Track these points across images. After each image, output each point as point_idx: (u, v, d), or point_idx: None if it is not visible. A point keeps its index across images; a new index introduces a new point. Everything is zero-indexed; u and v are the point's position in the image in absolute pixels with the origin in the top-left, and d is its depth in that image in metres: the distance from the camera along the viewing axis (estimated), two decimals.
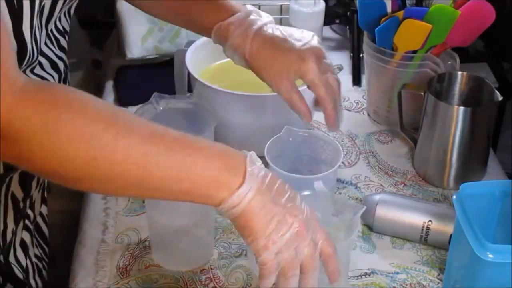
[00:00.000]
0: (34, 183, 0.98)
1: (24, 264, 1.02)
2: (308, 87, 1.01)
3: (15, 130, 0.71)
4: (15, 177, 0.93)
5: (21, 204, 0.98)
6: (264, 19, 1.02)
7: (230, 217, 0.80)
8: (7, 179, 0.92)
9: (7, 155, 0.73)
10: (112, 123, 0.74)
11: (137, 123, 0.76)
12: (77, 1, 0.93)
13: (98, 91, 1.44)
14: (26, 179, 0.95)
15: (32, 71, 0.88)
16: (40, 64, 0.91)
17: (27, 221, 1.03)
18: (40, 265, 1.09)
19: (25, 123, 0.71)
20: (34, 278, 1.06)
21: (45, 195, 1.09)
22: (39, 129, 0.71)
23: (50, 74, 0.93)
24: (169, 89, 1.29)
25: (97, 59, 1.85)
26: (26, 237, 1.02)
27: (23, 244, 1.02)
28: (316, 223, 0.82)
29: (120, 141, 0.73)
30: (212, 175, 0.77)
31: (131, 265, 1.03)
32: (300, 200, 0.81)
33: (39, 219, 1.10)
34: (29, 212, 1.03)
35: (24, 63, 0.81)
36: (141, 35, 1.40)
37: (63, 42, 0.97)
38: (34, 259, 1.06)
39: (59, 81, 0.96)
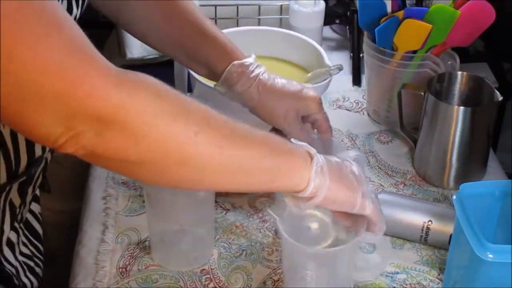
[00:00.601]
0: (30, 189, 0.98)
1: (13, 263, 1.02)
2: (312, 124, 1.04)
3: (124, 116, 0.69)
4: (15, 185, 0.93)
5: (17, 211, 0.98)
6: (261, 68, 1.03)
7: (321, 200, 0.83)
8: (7, 188, 0.92)
9: (112, 145, 0.70)
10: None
11: (233, 126, 0.79)
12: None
13: None
14: (24, 187, 0.95)
15: None
16: None
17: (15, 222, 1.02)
18: (31, 263, 1.08)
19: (135, 110, 0.70)
20: (26, 275, 1.05)
21: (37, 192, 1.09)
22: (149, 118, 0.71)
23: None
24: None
25: None
26: (13, 236, 1.02)
27: (10, 243, 1.01)
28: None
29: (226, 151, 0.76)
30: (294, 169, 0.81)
31: (131, 265, 1.03)
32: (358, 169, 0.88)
33: (29, 217, 1.09)
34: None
35: None
36: None
37: None
38: (21, 258, 1.06)
39: None
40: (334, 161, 0.86)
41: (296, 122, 1.02)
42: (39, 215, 1.12)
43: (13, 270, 1.01)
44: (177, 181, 0.77)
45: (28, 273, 1.06)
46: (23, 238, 1.07)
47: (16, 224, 1.02)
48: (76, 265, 1.04)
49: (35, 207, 1.11)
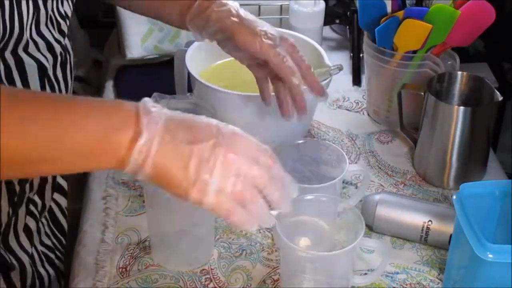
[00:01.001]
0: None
1: (30, 251, 1.02)
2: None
3: None
4: None
5: (17, 187, 0.97)
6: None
7: (149, 179, 0.73)
8: None
9: None
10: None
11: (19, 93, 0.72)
12: None
13: (98, 91, 1.44)
14: None
15: (25, 50, 0.88)
16: (36, 44, 0.90)
17: (32, 207, 1.02)
18: (52, 255, 1.08)
19: None
20: (43, 266, 1.06)
21: (57, 182, 1.09)
22: None
23: (45, 56, 0.93)
24: (169, 89, 1.29)
25: (97, 59, 1.85)
26: (31, 223, 1.02)
27: (27, 230, 1.01)
28: (243, 138, 0.77)
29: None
30: (98, 136, 0.71)
31: (131, 265, 1.03)
32: (214, 124, 0.76)
33: (55, 209, 1.09)
34: (35, 198, 1.03)
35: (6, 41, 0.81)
36: (141, 35, 1.40)
37: (64, 26, 0.97)
38: (41, 248, 1.06)
39: (55, 65, 0.95)
40: (182, 124, 0.73)
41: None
42: (65, 209, 1.13)
43: (26, 258, 1.01)
44: None
45: (46, 264, 1.06)
46: (46, 229, 1.08)
47: (34, 210, 1.02)
48: (76, 265, 1.04)
49: (62, 200, 1.12)
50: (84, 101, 0.74)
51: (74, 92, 1.15)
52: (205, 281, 1.01)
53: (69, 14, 0.97)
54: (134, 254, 1.04)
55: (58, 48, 0.96)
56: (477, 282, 0.88)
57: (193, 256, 1.03)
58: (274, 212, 0.93)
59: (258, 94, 1.15)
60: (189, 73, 1.19)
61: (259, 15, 1.47)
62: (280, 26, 1.44)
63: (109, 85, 1.40)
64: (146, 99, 0.75)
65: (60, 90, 0.98)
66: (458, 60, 1.24)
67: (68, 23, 0.98)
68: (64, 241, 1.12)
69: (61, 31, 0.96)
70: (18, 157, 0.70)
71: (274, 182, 0.78)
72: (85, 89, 1.89)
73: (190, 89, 1.25)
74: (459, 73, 1.18)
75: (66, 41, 0.99)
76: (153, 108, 0.73)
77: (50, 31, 0.94)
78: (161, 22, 1.38)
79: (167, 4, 1.04)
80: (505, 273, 0.86)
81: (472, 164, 1.17)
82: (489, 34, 1.26)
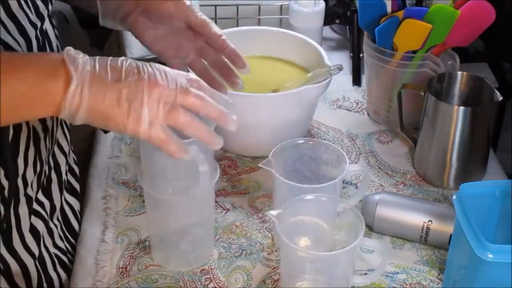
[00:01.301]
0: (20, 159, 0.95)
1: (36, 253, 1.01)
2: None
3: None
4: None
5: (4, 182, 0.94)
6: None
7: (85, 121, 0.79)
8: None
9: None
10: None
11: None
12: None
13: None
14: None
15: None
16: (5, 27, 0.88)
17: (37, 206, 1.01)
18: (65, 258, 1.08)
19: None
20: (55, 269, 1.05)
21: (64, 184, 1.08)
22: None
23: (16, 40, 0.90)
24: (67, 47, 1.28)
25: None
26: (38, 224, 1.01)
27: (34, 231, 1.01)
28: (168, 72, 0.82)
29: None
30: (33, 83, 0.77)
31: (131, 265, 1.03)
32: (142, 65, 0.82)
33: (67, 211, 1.09)
34: (40, 197, 1.02)
35: None
36: None
37: (43, 10, 0.95)
38: (54, 250, 1.06)
39: (28, 50, 0.92)
40: (108, 76, 0.79)
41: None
42: (78, 212, 1.13)
43: (31, 261, 1.00)
44: None
45: (58, 267, 1.06)
46: (59, 231, 1.07)
47: (41, 211, 1.02)
48: (76, 265, 1.04)
49: (74, 202, 1.12)
50: (16, 54, 0.80)
51: None
52: (205, 281, 1.01)
53: None
54: (134, 254, 1.04)
55: (32, 32, 0.93)
56: (477, 282, 0.88)
57: (193, 256, 1.03)
58: (274, 212, 0.93)
59: (258, 94, 1.15)
60: None
61: (259, 15, 1.48)
62: (280, 26, 1.44)
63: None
64: (68, 48, 0.80)
65: None
66: (458, 60, 1.24)
67: (50, 7, 0.97)
68: (75, 244, 1.10)
69: (39, 14, 0.94)
70: None
71: (207, 102, 0.83)
72: None
73: None
74: (459, 73, 1.18)
75: (46, 25, 0.97)
76: (77, 54, 0.79)
77: (25, 12, 0.91)
78: None
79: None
80: (505, 273, 0.86)
81: (472, 164, 1.17)
82: (489, 34, 1.26)
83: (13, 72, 0.77)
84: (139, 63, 0.83)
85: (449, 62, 1.24)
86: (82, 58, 0.79)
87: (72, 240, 1.11)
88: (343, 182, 1.15)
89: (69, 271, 1.07)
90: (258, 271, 1.02)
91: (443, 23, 1.17)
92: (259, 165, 1.02)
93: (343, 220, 0.96)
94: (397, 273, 1.02)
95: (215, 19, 1.46)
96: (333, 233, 0.99)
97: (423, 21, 1.16)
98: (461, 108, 1.11)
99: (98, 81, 0.78)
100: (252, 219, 1.10)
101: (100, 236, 1.07)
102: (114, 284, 1.00)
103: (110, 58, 0.81)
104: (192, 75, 0.86)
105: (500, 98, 1.10)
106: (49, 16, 0.98)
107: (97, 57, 0.80)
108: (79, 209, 1.14)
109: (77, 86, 0.77)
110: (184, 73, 0.84)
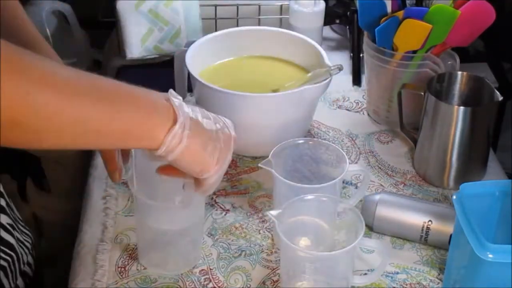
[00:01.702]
0: None
1: None
2: None
3: None
4: None
5: None
6: None
7: (174, 160, 0.84)
8: None
9: None
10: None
11: (70, 77, 0.74)
12: None
13: None
14: None
15: None
16: None
17: None
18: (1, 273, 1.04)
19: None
20: None
21: (2, 203, 1.06)
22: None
23: None
24: (169, 89, 1.29)
25: (97, 59, 1.85)
26: None
27: None
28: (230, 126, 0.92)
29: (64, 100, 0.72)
30: (142, 116, 0.80)
31: (130, 265, 1.03)
32: (223, 119, 0.91)
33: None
34: None
35: None
36: (141, 35, 1.39)
37: None
38: None
39: None
40: (203, 123, 0.86)
41: None
42: (8, 226, 1.07)
43: None
44: (12, 142, 0.70)
45: None
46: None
47: None
48: (76, 265, 1.04)
49: (4, 218, 1.06)
50: (130, 86, 0.83)
51: None
52: (204, 281, 1.01)
53: None
54: (133, 254, 1.04)
55: None
56: (477, 282, 0.88)
57: (182, 260, 1.02)
58: (274, 212, 0.93)
59: (258, 94, 1.15)
60: (189, 73, 1.19)
61: (259, 15, 1.48)
62: (280, 26, 1.44)
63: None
64: (171, 91, 0.86)
65: None
66: (458, 60, 1.24)
67: None
68: (15, 257, 1.07)
69: None
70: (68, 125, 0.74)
71: None
72: None
73: (190, 89, 1.25)
74: (459, 73, 1.18)
75: None
76: (177, 100, 0.85)
77: None
78: (161, 23, 1.39)
79: None
80: (505, 273, 0.86)
81: (472, 164, 1.17)
82: (489, 34, 1.26)
83: (129, 101, 0.80)
84: (221, 117, 0.91)
85: (449, 62, 1.24)
86: (181, 103, 0.85)
87: (12, 253, 1.06)
88: (343, 182, 1.15)
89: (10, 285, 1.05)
90: (258, 272, 1.02)
91: (443, 23, 1.17)
92: (259, 165, 1.02)
93: (343, 220, 0.96)
94: (397, 273, 1.02)
95: (215, 19, 1.46)
96: (333, 233, 0.99)
97: (423, 21, 1.16)
98: (461, 108, 1.11)
99: (194, 127, 0.84)
100: (252, 219, 1.10)
101: (99, 236, 1.07)
102: (113, 284, 1.00)
103: (202, 109, 0.89)
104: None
105: (500, 98, 1.10)
106: None
107: (191, 105, 0.87)
108: (8, 222, 1.08)
109: (181, 126, 0.82)
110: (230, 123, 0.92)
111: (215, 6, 1.45)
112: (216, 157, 0.87)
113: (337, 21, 1.52)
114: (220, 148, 0.88)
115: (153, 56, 1.43)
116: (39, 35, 1.03)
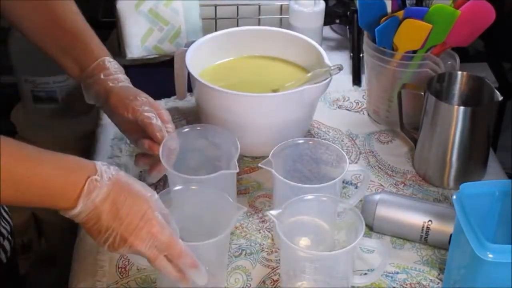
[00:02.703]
0: None
1: None
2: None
3: None
4: None
5: None
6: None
7: (88, 220, 0.86)
8: None
9: None
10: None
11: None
12: None
13: None
14: None
15: None
16: None
17: None
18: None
19: None
20: None
21: None
22: None
23: None
24: (169, 89, 1.29)
25: None
26: None
27: None
28: (158, 225, 0.88)
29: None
30: (58, 180, 0.84)
31: (131, 265, 1.03)
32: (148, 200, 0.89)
33: None
34: None
35: None
36: (141, 35, 1.39)
37: None
38: None
39: None
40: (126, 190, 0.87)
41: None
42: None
43: None
44: None
45: None
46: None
47: None
48: (76, 265, 1.04)
49: None
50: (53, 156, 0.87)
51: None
52: None
53: None
54: None
55: None
56: (477, 282, 0.88)
57: None
58: (274, 212, 0.93)
59: (258, 94, 1.15)
60: (189, 73, 1.19)
61: (259, 15, 1.48)
62: (280, 26, 1.44)
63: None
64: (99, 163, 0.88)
65: None
66: (458, 60, 1.24)
67: None
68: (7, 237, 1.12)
69: None
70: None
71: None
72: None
73: (190, 89, 1.25)
74: (459, 73, 1.18)
75: None
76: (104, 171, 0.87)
77: None
78: (160, 23, 1.39)
79: (69, 55, 1.11)
80: (505, 273, 0.86)
81: (472, 164, 1.17)
82: (489, 34, 1.26)
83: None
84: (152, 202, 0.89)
85: (449, 62, 1.24)
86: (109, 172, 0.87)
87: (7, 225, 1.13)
88: (343, 182, 1.15)
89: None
90: (258, 271, 1.02)
91: (443, 23, 1.17)
92: (259, 165, 1.02)
93: (343, 220, 0.96)
94: (397, 273, 1.02)
95: (215, 19, 1.46)
96: (333, 233, 0.99)
97: (423, 21, 1.16)
98: (461, 108, 1.11)
99: (113, 200, 0.86)
100: (252, 219, 1.10)
101: None
102: (114, 284, 1.00)
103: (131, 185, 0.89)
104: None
105: (500, 98, 1.10)
106: None
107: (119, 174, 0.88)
108: None
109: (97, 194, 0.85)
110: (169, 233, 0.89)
111: (215, 6, 1.45)
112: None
113: (337, 21, 1.52)
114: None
115: (153, 56, 1.43)
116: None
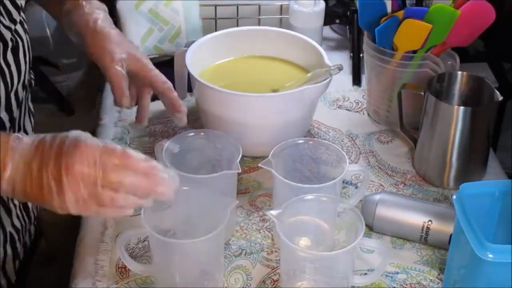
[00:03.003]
0: None
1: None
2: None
3: None
4: None
5: None
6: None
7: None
8: None
9: None
10: None
11: None
12: None
13: (98, 91, 1.44)
14: None
15: None
16: None
17: None
18: (16, 237, 1.11)
19: None
20: (3, 247, 1.07)
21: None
22: None
23: None
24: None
25: None
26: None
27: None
28: (85, 146, 0.87)
29: None
30: None
31: None
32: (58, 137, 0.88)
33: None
34: None
35: None
36: (141, 35, 1.40)
37: (16, 16, 1.01)
38: (10, 229, 1.08)
39: (5, 51, 0.98)
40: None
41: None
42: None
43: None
44: None
45: (8, 245, 1.08)
46: (18, 212, 1.09)
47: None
48: (76, 265, 1.04)
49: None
50: None
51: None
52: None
53: (23, 5, 1.04)
54: (134, 254, 1.04)
55: (8, 35, 0.99)
56: (477, 282, 0.88)
57: None
58: (274, 212, 0.93)
59: (258, 94, 1.15)
60: (189, 73, 1.19)
61: (259, 15, 1.48)
62: (280, 26, 1.44)
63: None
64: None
65: (11, 74, 1.00)
66: (458, 60, 1.24)
67: (21, 14, 1.03)
68: (33, 223, 1.14)
69: (12, 20, 1.00)
70: None
71: (138, 181, 0.85)
72: (86, 89, 1.89)
73: (190, 89, 1.25)
74: (459, 73, 1.18)
75: (18, 27, 1.02)
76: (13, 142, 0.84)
77: None
78: (160, 23, 1.39)
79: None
80: (505, 273, 0.86)
81: (472, 164, 1.17)
82: (489, 34, 1.26)
83: None
84: (64, 134, 0.90)
85: (449, 62, 1.24)
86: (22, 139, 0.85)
87: (27, 220, 1.14)
88: (343, 182, 1.15)
89: (15, 249, 1.09)
90: (258, 271, 1.02)
91: (443, 23, 1.17)
92: (259, 165, 1.02)
93: (343, 220, 0.96)
94: (397, 273, 1.02)
95: (215, 19, 1.46)
96: (333, 233, 0.99)
97: (423, 21, 1.16)
98: (461, 108, 1.11)
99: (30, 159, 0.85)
100: (252, 218, 1.10)
101: (99, 236, 1.07)
102: (114, 284, 1.00)
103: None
104: (118, 148, 0.87)
105: (500, 98, 1.10)
106: (20, 22, 1.04)
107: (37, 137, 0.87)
108: None
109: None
110: (111, 147, 0.86)
111: (215, 6, 1.45)
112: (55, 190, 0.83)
113: (337, 21, 1.52)
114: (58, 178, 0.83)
115: (153, 56, 1.43)
116: None
